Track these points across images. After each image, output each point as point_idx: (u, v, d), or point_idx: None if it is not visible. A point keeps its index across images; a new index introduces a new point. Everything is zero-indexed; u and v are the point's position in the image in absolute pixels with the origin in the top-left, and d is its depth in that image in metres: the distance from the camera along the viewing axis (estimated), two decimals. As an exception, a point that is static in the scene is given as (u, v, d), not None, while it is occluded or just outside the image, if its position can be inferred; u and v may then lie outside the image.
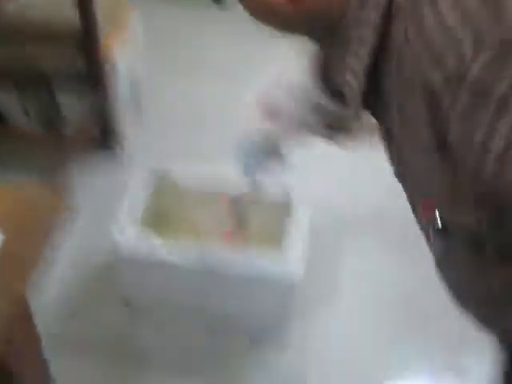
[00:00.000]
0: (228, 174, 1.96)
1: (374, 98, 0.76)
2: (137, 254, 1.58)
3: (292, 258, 1.53)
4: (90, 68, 1.99)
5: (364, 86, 0.74)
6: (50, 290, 1.75)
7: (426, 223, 0.80)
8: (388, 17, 0.69)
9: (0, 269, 0.88)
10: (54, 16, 1.96)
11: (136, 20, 2.24)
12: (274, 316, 1.66)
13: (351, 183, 2.09)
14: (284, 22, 0.79)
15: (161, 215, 1.82)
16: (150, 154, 2.17)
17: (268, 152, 1.38)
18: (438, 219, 0.77)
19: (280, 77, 1.35)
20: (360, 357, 1.68)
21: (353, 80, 0.74)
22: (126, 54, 2.15)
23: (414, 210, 0.84)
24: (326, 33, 0.78)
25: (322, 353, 1.69)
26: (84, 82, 2.02)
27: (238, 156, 1.42)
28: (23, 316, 0.97)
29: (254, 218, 1.68)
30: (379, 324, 1.75)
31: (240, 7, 0.78)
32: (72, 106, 2.08)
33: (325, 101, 1.24)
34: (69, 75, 2.04)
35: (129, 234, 1.58)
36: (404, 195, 0.89)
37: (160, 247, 1.56)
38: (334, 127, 1.23)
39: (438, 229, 0.77)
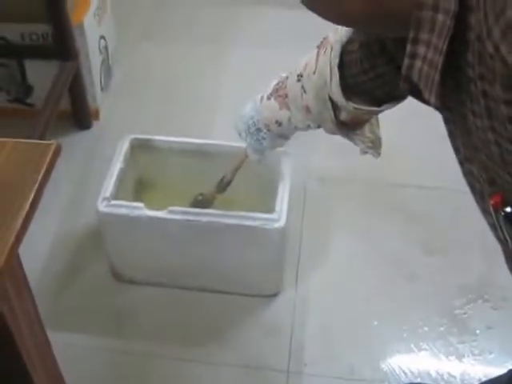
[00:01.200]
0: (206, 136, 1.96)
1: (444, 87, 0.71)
2: (122, 223, 1.55)
3: (277, 206, 1.53)
4: (57, 36, 1.92)
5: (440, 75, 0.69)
6: (35, 263, 1.70)
7: (495, 212, 0.76)
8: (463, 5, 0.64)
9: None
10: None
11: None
12: (266, 268, 1.63)
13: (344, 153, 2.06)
14: (345, 13, 0.74)
15: (143, 182, 1.79)
16: (125, 123, 2.12)
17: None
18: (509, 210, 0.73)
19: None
20: (349, 306, 1.68)
21: (425, 67, 0.70)
22: (95, 19, 2.08)
23: (482, 201, 0.80)
24: (391, 23, 0.73)
25: (314, 306, 1.67)
26: (52, 51, 1.95)
27: (238, 130, 1.42)
28: (15, 270, 0.92)
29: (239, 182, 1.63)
30: (367, 277, 1.75)
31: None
32: (40, 76, 2.00)
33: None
34: (36, 44, 1.96)
35: (112, 202, 1.54)
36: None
37: (145, 212, 1.52)
38: None
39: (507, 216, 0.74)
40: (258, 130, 1.37)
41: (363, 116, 1.17)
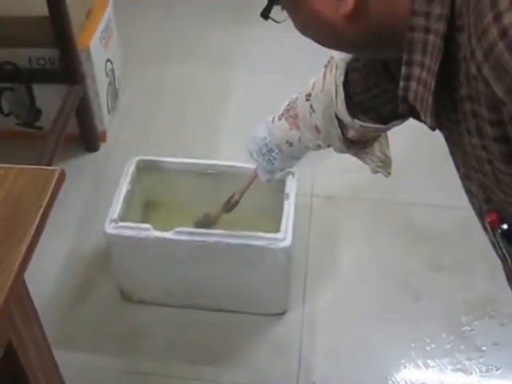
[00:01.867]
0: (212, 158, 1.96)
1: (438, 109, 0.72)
2: (130, 244, 1.55)
3: (282, 226, 1.53)
4: (64, 60, 1.93)
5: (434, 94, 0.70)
6: (45, 284, 1.71)
7: (492, 230, 0.76)
8: (452, 24, 0.64)
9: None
10: (25, 11, 1.90)
11: (109, 7, 2.19)
12: (273, 287, 1.63)
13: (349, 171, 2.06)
14: (340, 40, 0.74)
15: (150, 203, 1.79)
16: (132, 144, 2.13)
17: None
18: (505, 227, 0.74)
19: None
20: (357, 323, 1.67)
21: (420, 88, 0.70)
22: (101, 43, 2.09)
23: (481, 219, 0.80)
24: (385, 46, 0.74)
25: (322, 324, 1.66)
26: (59, 75, 1.96)
27: (249, 150, 1.41)
28: (21, 295, 0.91)
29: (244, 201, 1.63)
30: (374, 295, 1.73)
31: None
32: (48, 99, 2.01)
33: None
34: (43, 68, 1.97)
35: (119, 224, 1.54)
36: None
37: (152, 233, 1.52)
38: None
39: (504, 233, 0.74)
40: (270, 150, 1.36)
41: (370, 134, 1.16)
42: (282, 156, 1.36)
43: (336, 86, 1.07)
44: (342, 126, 1.14)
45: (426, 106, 0.71)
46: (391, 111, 1.06)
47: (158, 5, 2.81)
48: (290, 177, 1.66)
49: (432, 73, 0.68)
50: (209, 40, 2.61)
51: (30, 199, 0.89)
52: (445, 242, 1.85)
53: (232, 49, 2.56)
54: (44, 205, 0.88)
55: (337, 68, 1.07)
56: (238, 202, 1.59)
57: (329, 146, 1.24)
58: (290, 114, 1.28)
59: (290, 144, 1.31)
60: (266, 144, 1.36)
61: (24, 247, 0.83)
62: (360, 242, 1.87)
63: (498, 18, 0.57)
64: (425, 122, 0.74)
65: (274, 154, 1.36)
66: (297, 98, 1.27)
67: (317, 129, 1.21)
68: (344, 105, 1.08)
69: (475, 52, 0.60)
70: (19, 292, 0.88)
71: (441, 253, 1.82)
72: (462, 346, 1.61)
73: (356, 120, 1.08)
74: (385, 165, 1.23)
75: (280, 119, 1.31)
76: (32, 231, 0.85)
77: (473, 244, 1.78)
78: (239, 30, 2.62)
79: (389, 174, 1.24)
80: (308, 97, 1.20)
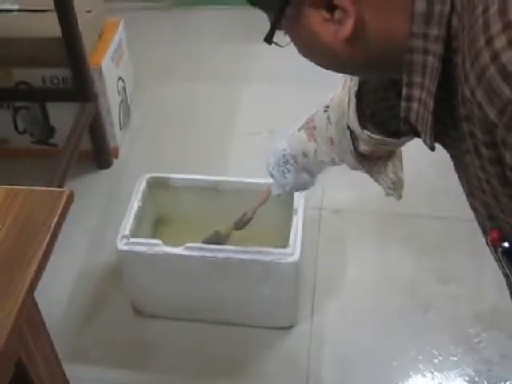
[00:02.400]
0: (222, 174, 1.97)
1: (440, 128, 0.73)
2: (141, 259, 1.55)
3: (291, 240, 1.53)
4: (77, 79, 1.96)
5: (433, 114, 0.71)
6: (58, 300, 1.72)
7: (493, 247, 0.77)
8: (449, 45, 0.65)
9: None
10: (39, 32, 1.92)
11: (121, 28, 2.21)
12: (282, 301, 1.63)
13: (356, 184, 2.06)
14: (340, 63, 0.76)
15: (161, 219, 1.80)
16: (144, 160, 2.15)
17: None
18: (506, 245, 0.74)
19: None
20: (365, 336, 1.66)
21: (421, 109, 0.71)
22: (113, 61, 2.12)
23: (485, 235, 0.80)
24: (385, 69, 0.75)
25: (330, 337, 1.66)
26: (72, 93, 1.99)
27: (267, 163, 1.40)
28: (31, 314, 0.92)
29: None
30: (382, 308, 1.73)
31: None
32: (62, 117, 2.04)
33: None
34: (57, 87, 2.00)
35: (131, 240, 1.55)
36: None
37: (162, 248, 1.53)
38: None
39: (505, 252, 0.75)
40: (286, 162, 1.35)
41: (382, 149, 1.15)
42: (296, 168, 1.35)
43: (349, 96, 1.07)
44: (353, 138, 1.13)
45: (425, 126, 0.72)
46: (399, 126, 1.07)
47: (168, 23, 2.85)
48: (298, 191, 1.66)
49: (430, 93, 0.69)
50: (218, 57, 2.63)
51: (39, 220, 0.90)
52: (453, 253, 1.84)
53: (240, 65, 2.58)
54: (53, 226, 0.89)
55: (351, 79, 1.07)
56: (250, 219, 1.59)
57: (343, 161, 1.24)
58: (309, 126, 1.27)
59: (305, 155, 1.30)
60: (284, 155, 1.35)
61: (33, 268, 0.84)
62: (368, 254, 1.86)
63: (489, 41, 0.58)
64: (425, 142, 0.75)
65: (288, 166, 1.35)
66: (317, 111, 1.26)
67: (331, 141, 1.20)
68: (355, 114, 1.07)
69: (469, 75, 0.61)
70: (29, 311, 0.89)
71: (449, 265, 1.81)
72: (470, 359, 1.60)
73: (365, 131, 1.08)
74: (396, 187, 1.22)
75: (299, 130, 1.30)
76: (41, 252, 0.86)
77: (480, 256, 1.78)
78: (247, 47, 2.63)
79: (400, 197, 1.23)
80: (326, 108, 1.20)
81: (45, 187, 1.53)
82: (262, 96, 2.41)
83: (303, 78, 2.29)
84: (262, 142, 2.18)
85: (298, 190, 1.46)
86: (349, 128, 1.11)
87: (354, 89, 1.06)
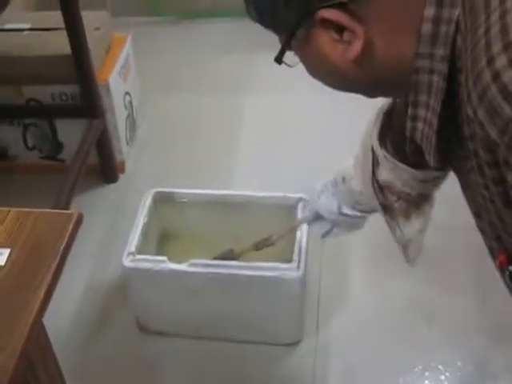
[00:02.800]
0: (227, 187, 1.98)
1: (446, 146, 0.73)
2: (146, 276, 1.56)
3: (295, 256, 1.53)
4: (85, 95, 1.97)
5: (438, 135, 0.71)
6: (63, 316, 1.72)
7: (500, 270, 0.76)
8: (454, 64, 0.66)
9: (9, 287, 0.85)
10: (48, 50, 1.94)
11: (128, 43, 2.22)
12: (287, 317, 1.63)
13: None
14: (348, 83, 0.77)
15: (167, 234, 1.80)
16: (150, 174, 2.16)
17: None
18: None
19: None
20: (370, 352, 1.65)
21: (426, 128, 0.72)
22: (120, 77, 2.13)
23: (492, 257, 0.80)
24: (392, 88, 0.76)
25: (336, 353, 1.65)
26: (80, 109, 2.00)
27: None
28: (39, 338, 0.93)
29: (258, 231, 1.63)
30: (387, 322, 1.72)
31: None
32: (70, 133, 2.05)
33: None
34: (65, 104, 2.02)
35: (136, 257, 1.55)
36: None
37: (167, 265, 1.53)
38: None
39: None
40: (335, 183, 1.27)
41: (399, 183, 1.06)
42: (343, 189, 1.25)
43: (378, 113, 1.06)
44: (374, 164, 1.08)
45: (430, 145, 0.72)
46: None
47: (174, 36, 2.86)
48: (302, 203, 1.66)
49: (435, 112, 0.69)
50: (223, 69, 2.64)
51: (48, 243, 0.91)
52: (458, 266, 1.83)
53: (244, 76, 2.59)
54: (62, 248, 0.89)
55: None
56: (272, 244, 1.56)
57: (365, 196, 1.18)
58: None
59: (343, 179, 1.24)
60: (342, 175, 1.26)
61: (42, 291, 0.84)
62: (372, 268, 1.86)
63: (491, 61, 0.58)
64: (428, 161, 0.75)
65: (339, 186, 1.26)
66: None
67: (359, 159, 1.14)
68: (377, 131, 1.04)
69: (471, 95, 0.61)
70: (37, 334, 0.89)
71: (454, 277, 1.80)
72: (477, 374, 1.59)
73: (383, 149, 1.04)
74: (404, 247, 1.15)
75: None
76: (50, 275, 0.86)
77: (486, 268, 1.77)
78: (251, 59, 2.65)
79: (410, 261, 1.16)
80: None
81: (54, 209, 1.56)
82: (267, 106, 2.41)
83: (306, 89, 2.30)
84: (266, 153, 2.20)
85: (347, 228, 1.34)
86: (372, 150, 1.08)
87: (384, 108, 1.05)
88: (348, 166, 1.21)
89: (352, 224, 1.30)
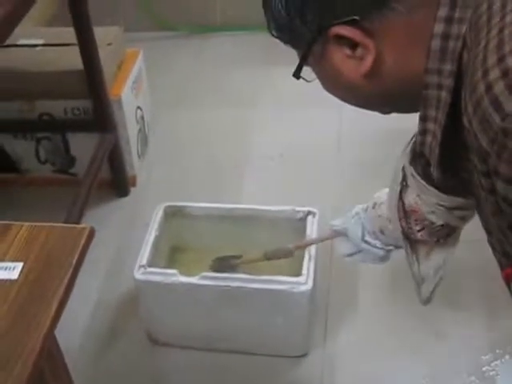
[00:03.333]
0: (238, 201, 1.98)
1: (453, 160, 0.74)
2: (157, 289, 1.56)
3: (304, 269, 1.53)
4: (97, 110, 1.97)
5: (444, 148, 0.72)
6: (75, 328, 1.71)
7: (507, 285, 0.76)
8: (460, 79, 0.67)
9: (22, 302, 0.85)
10: (61, 65, 1.95)
11: (140, 58, 2.23)
12: (295, 330, 1.62)
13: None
14: (361, 97, 0.79)
15: (178, 246, 1.80)
16: (161, 188, 2.16)
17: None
18: None
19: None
20: (378, 365, 1.64)
21: (434, 142, 0.73)
22: (132, 92, 2.14)
23: (501, 271, 0.78)
24: (405, 104, 0.78)
25: (343, 366, 1.64)
26: (92, 124, 2.00)
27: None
28: (51, 352, 0.93)
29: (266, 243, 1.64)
30: (395, 335, 1.71)
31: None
32: (82, 147, 2.06)
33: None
34: (78, 118, 2.02)
35: (148, 270, 1.55)
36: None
37: (178, 278, 1.53)
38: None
39: None
40: (366, 208, 1.25)
41: (422, 209, 0.98)
42: (371, 216, 1.23)
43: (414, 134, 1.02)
44: (402, 185, 0.99)
45: (434, 156, 0.73)
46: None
47: (186, 51, 2.87)
48: (311, 217, 1.67)
49: (440, 125, 0.70)
50: (234, 84, 2.64)
51: (60, 258, 0.91)
52: (465, 279, 1.82)
53: (255, 92, 2.59)
54: (74, 263, 0.89)
55: None
56: (291, 255, 1.56)
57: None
58: None
59: (374, 205, 1.21)
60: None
61: (54, 305, 0.84)
62: (380, 281, 1.85)
63: (485, 73, 0.60)
64: (432, 173, 0.76)
65: (368, 212, 1.24)
66: None
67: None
68: (409, 149, 0.94)
69: (467, 106, 0.63)
70: (50, 347, 0.89)
71: (461, 291, 1.79)
72: (484, 387, 1.58)
73: (412, 167, 0.94)
74: (417, 284, 1.12)
75: None
76: (62, 289, 0.86)
77: (492, 281, 1.76)
78: (264, 74, 2.64)
79: (419, 300, 1.13)
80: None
81: (66, 222, 1.57)
82: (277, 120, 2.42)
83: (316, 104, 2.30)
84: (275, 167, 2.21)
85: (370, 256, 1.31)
86: (402, 170, 0.99)
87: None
88: (384, 192, 1.17)
89: (375, 254, 1.28)
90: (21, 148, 2.11)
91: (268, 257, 1.58)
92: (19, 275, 0.88)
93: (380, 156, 2.15)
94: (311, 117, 2.38)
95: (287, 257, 1.57)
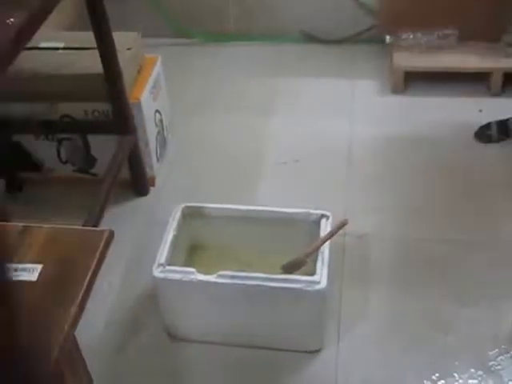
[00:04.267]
0: (254, 203, 1.96)
1: None
2: (176, 286, 1.55)
3: (317, 269, 1.52)
4: (117, 112, 1.96)
5: None
6: (95, 324, 1.70)
7: None
8: None
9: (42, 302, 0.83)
10: (81, 69, 1.94)
11: (158, 64, 2.21)
12: (309, 326, 1.60)
13: (379, 211, 2.03)
14: None
15: (195, 245, 1.79)
16: (179, 189, 2.14)
17: None
18: None
19: None
20: (390, 360, 1.62)
21: None
22: (151, 96, 2.12)
23: None
24: None
25: (356, 361, 1.62)
26: (112, 126, 1.99)
27: None
28: (71, 353, 0.90)
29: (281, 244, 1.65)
30: (405, 331, 1.69)
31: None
32: (102, 148, 2.05)
33: None
34: (98, 120, 2.01)
35: (166, 268, 1.54)
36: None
37: (196, 276, 1.52)
38: None
39: None
40: None
41: None
42: None
43: None
44: None
45: None
46: None
47: (202, 57, 2.85)
48: (324, 220, 1.65)
49: None
50: (247, 89, 2.62)
51: (79, 259, 0.89)
52: (472, 277, 1.80)
53: (270, 99, 2.57)
54: (93, 265, 0.87)
55: None
56: (305, 264, 1.58)
57: None
58: None
59: None
60: None
61: (74, 306, 0.83)
62: (391, 279, 1.83)
63: None
64: None
65: None
66: None
67: None
68: None
69: None
70: (69, 348, 0.87)
71: (469, 288, 1.77)
72: (490, 381, 1.55)
73: None
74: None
75: None
76: (82, 291, 0.85)
77: (498, 278, 1.76)
78: (278, 82, 2.63)
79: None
80: None
81: (87, 221, 1.54)
82: (291, 127, 2.40)
83: (329, 113, 2.29)
84: (290, 171, 2.19)
85: None
86: None
87: None
88: None
89: None
90: (43, 148, 2.10)
91: (288, 271, 1.60)
92: (38, 277, 0.85)
93: (389, 164, 2.16)
94: (323, 126, 2.36)
95: (302, 266, 1.60)
